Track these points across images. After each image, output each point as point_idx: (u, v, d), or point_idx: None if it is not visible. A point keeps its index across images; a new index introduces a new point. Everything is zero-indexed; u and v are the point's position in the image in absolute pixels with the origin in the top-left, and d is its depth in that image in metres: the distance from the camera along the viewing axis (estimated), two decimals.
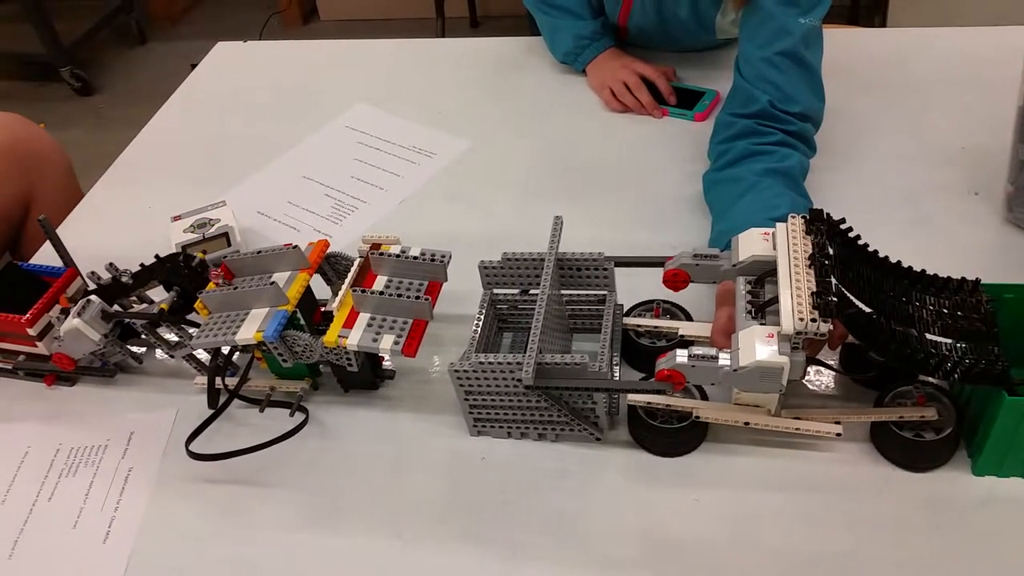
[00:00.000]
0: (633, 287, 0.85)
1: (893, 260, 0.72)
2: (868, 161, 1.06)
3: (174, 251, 0.86)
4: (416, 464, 0.78)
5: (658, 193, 1.05)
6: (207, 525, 0.75)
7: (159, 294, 0.85)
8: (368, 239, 0.82)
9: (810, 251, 0.68)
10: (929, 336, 0.68)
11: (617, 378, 0.79)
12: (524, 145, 1.17)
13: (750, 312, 0.68)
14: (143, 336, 0.86)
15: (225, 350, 0.80)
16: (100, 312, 0.82)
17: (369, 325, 0.76)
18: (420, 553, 0.71)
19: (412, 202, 1.10)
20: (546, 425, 0.77)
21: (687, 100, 1.19)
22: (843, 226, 0.71)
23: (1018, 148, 0.91)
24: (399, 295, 0.75)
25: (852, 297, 0.68)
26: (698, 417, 0.74)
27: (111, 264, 0.86)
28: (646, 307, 0.85)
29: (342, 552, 0.72)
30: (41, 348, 0.85)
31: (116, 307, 0.85)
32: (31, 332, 0.83)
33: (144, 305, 0.88)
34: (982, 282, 0.71)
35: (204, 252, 0.87)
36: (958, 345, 0.68)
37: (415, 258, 0.79)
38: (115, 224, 1.12)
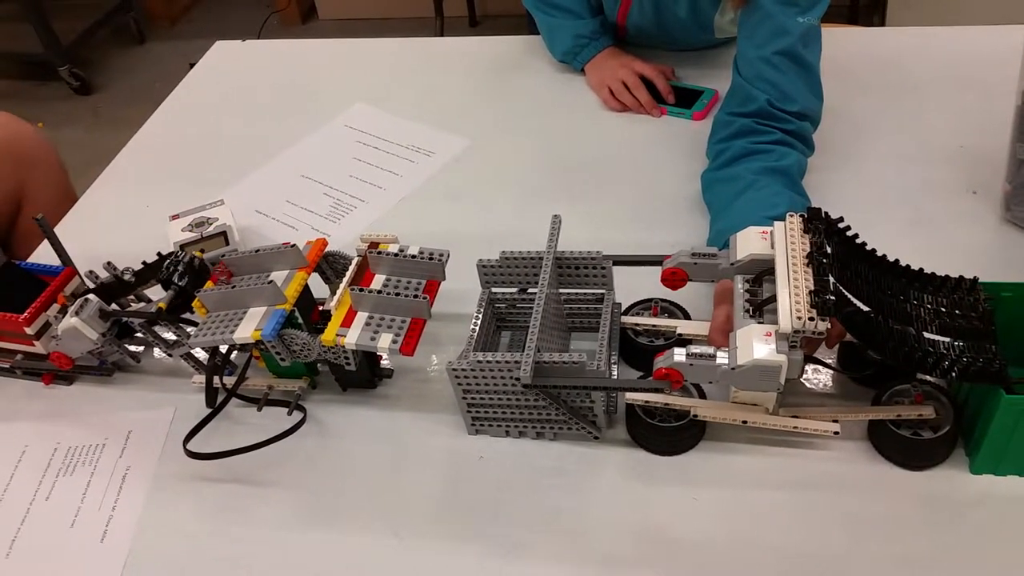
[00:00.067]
0: (631, 286, 0.85)
1: (891, 259, 0.72)
2: (866, 160, 1.06)
3: (173, 250, 0.86)
4: (414, 463, 0.78)
5: (656, 192, 1.05)
6: (205, 524, 0.75)
7: (157, 293, 0.85)
8: (366, 238, 0.82)
9: (808, 250, 0.68)
10: (927, 335, 0.68)
11: (615, 377, 0.79)
12: (523, 144, 1.17)
13: (748, 311, 0.68)
14: (141, 335, 0.86)
15: (223, 349, 0.80)
16: (98, 311, 0.82)
17: (367, 324, 0.76)
18: (418, 551, 0.71)
19: (410, 201, 1.10)
20: (544, 424, 0.77)
21: (686, 99, 1.19)
22: (841, 225, 0.71)
23: (1016, 147, 0.91)
24: (397, 294, 0.75)
25: (850, 296, 0.68)
26: (696, 416, 0.74)
27: (109, 263, 0.86)
28: (644, 306, 0.85)
29: (340, 550, 0.72)
30: (39, 347, 0.85)
31: (114, 306, 0.85)
32: (29, 331, 0.83)
33: (142, 304, 0.88)
34: (980, 280, 0.72)
35: (202, 251, 0.87)
36: (956, 343, 0.68)
37: (413, 257, 0.79)
38: (113, 223, 1.12)
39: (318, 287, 0.85)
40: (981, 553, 0.66)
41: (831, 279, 0.66)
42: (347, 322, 0.76)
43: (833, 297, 0.64)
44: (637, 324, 0.83)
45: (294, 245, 0.79)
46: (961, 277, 0.72)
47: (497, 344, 0.86)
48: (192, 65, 1.46)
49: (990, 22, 1.25)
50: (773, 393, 0.72)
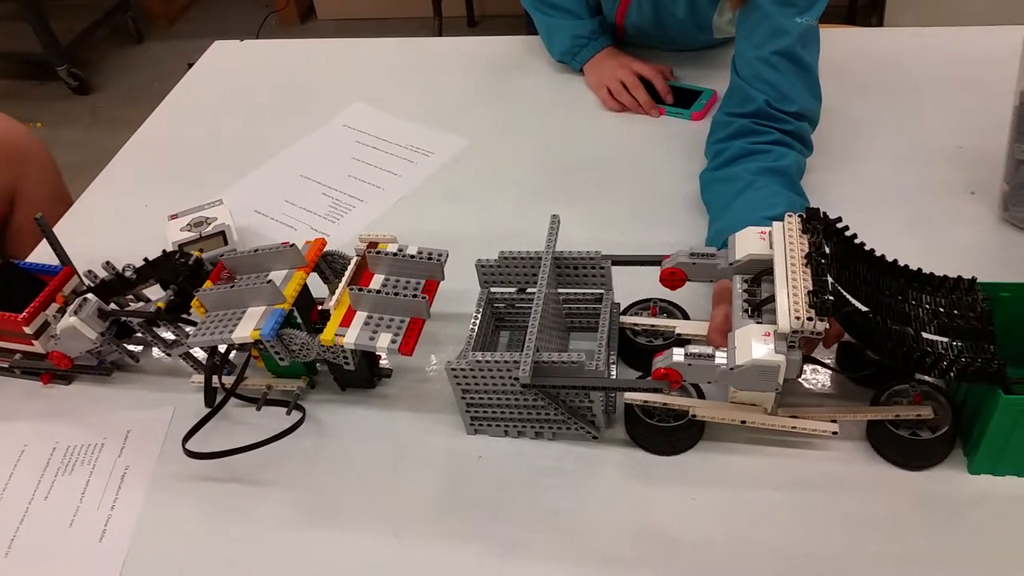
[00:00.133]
0: (630, 286, 0.85)
1: (890, 259, 0.72)
2: (865, 160, 1.06)
3: (171, 249, 0.86)
4: (413, 462, 0.78)
5: (655, 192, 1.05)
6: (204, 523, 0.75)
7: (155, 293, 0.85)
8: (365, 238, 0.82)
9: (806, 250, 0.68)
10: (925, 335, 0.68)
11: (614, 377, 0.79)
12: (521, 144, 1.17)
13: (746, 311, 0.68)
14: (140, 334, 0.86)
15: (222, 348, 0.80)
16: (97, 310, 0.82)
17: (366, 323, 0.76)
18: (417, 551, 0.71)
19: (409, 201, 1.10)
20: (543, 423, 0.77)
21: (684, 99, 1.19)
22: (839, 225, 0.71)
23: (1014, 147, 0.91)
24: (396, 294, 0.75)
25: (848, 296, 0.68)
26: (695, 416, 0.74)
27: (108, 263, 0.86)
28: (643, 306, 0.85)
29: (339, 550, 0.72)
30: (38, 346, 0.85)
31: (113, 305, 0.85)
32: (28, 330, 0.83)
33: (141, 303, 0.88)
34: (978, 281, 0.72)
35: (201, 251, 0.87)
36: (954, 344, 0.68)
37: (412, 257, 0.79)
38: (111, 223, 1.12)
39: (317, 287, 0.85)
40: (979, 553, 0.66)
41: (829, 279, 0.66)
42: (346, 322, 0.76)
43: (831, 297, 0.64)
44: (636, 324, 0.83)
45: (293, 245, 0.79)
46: (959, 277, 0.72)
47: (496, 344, 0.86)
48: (191, 65, 1.46)
49: (988, 22, 1.25)
50: (772, 393, 0.72)
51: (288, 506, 0.76)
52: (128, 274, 0.84)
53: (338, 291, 0.79)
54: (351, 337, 0.75)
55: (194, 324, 0.81)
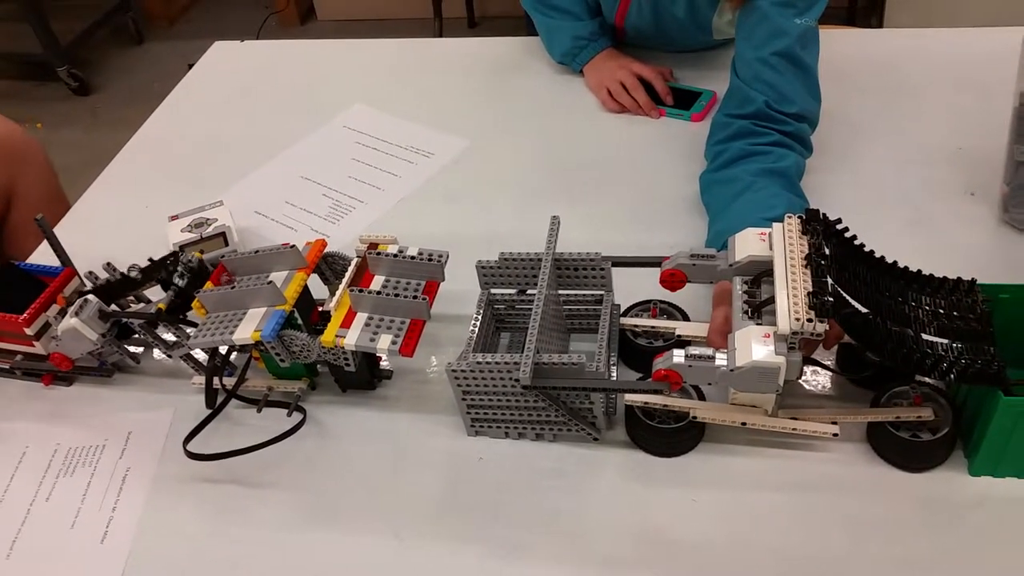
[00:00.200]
0: (630, 287, 0.85)
1: (889, 260, 0.72)
2: (864, 161, 1.06)
3: (173, 250, 0.86)
4: (414, 464, 0.78)
5: (655, 193, 1.05)
6: (205, 525, 0.75)
7: (156, 294, 0.85)
8: (366, 239, 0.83)
9: (806, 251, 0.68)
10: (925, 336, 0.68)
11: (614, 378, 0.79)
12: (522, 145, 1.17)
13: (746, 312, 0.68)
14: (141, 336, 0.86)
15: (223, 350, 0.80)
16: (98, 312, 0.82)
17: (367, 325, 0.76)
18: (417, 552, 0.71)
19: (410, 202, 1.10)
20: (544, 425, 0.77)
21: (684, 100, 1.19)
22: (839, 226, 0.71)
23: (1014, 148, 0.91)
24: (396, 295, 0.75)
25: (848, 297, 0.68)
26: (695, 417, 0.74)
27: (109, 263, 0.86)
28: (643, 307, 0.85)
29: (340, 552, 0.72)
30: (39, 348, 0.85)
31: (114, 307, 0.85)
32: (28, 332, 0.83)
33: (141, 305, 0.88)
34: (978, 282, 0.72)
35: (201, 252, 0.87)
36: (954, 345, 0.68)
37: (412, 258, 0.79)
38: (112, 224, 1.12)
39: (317, 288, 0.85)
40: (980, 555, 0.66)
41: (829, 280, 0.66)
42: (346, 323, 0.76)
43: (831, 298, 0.64)
44: (636, 325, 0.83)
45: (293, 246, 0.79)
46: (959, 279, 0.72)
47: (496, 345, 0.86)
48: (191, 66, 1.46)
49: (988, 24, 1.25)
50: (772, 395, 0.72)
51: (289, 507, 0.76)
52: (133, 274, 0.84)
53: (339, 292, 0.79)
54: (352, 338, 0.75)
55: (195, 325, 0.81)
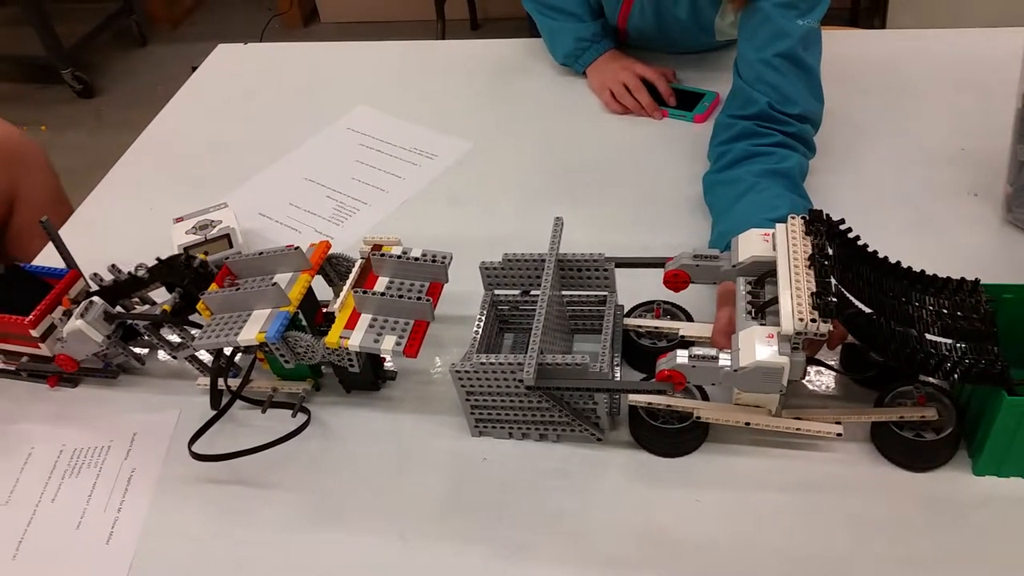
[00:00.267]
0: (634, 288, 0.85)
1: (893, 260, 0.72)
2: (867, 162, 1.06)
3: (177, 252, 0.87)
4: (418, 464, 0.78)
5: (658, 194, 1.05)
6: (210, 525, 0.76)
7: (161, 295, 0.85)
8: (369, 240, 0.83)
9: (810, 252, 0.68)
10: (929, 336, 0.68)
11: (618, 379, 0.79)
12: (525, 147, 1.17)
13: (750, 312, 0.68)
14: (146, 337, 0.86)
15: (227, 351, 0.81)
16: (103, 313, 0.82)
17: (371, 326, 0.76)
18: (422, 553, 0.71)
19: (413, 204, 1.11)
20: (547, 425, 0.77)
21: (687, 102, 1.19)
22: (843, 227, 0.71)
23: (1017, 149, 0.91)
24: (400, 296, 0.75)
25: (852, 297, 0.68)
26: (699, 418, 0.74)
27: (113, 265, 0.86)
28: (647, 308, 0.85)
29: (344, 552, 0.72)
30: (44, 349, 0.86)
31: (119, 308, 0.85)
32: (34, 333, 0.84)
33: (146, 306, 0.88)
34: (981, 282, 0.72)
35: (206, 253, 0.88)
36: (958, 345, 0.68)
37: (416, 259, 0.79)
38: (117, 226, 1.13)
39: (322, 289, 0.85)
40: (984, 554, 0.66)
41: (833, 281, 0.66)
42: (351, 324, 0.76)
43: (835, 299, 0.64)
44: (639, 326, 0.83)
45: (297, 247, 0.79)
46: (963, 279, 0.72)
47: (500, 346, 0.86)
48: (194, 68, 1.46)
49: (990, 24, 1.25)
50: (776, 395, 0.72)
51: (293, 508, 0.76)
52: (141, 274, 0.84)
53: (343, 294, 0.79)
54: (356, 339, 0.75)
55: (199, 327, 0.81)
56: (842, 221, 0.72)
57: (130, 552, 0.74)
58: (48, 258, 1.04)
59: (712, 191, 0.97)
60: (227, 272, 0.81)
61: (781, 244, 0.70)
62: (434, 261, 0.79)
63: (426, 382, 0.86)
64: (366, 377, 0.83)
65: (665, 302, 0.85)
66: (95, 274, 0.87)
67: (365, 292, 0.76)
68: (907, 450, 0.72)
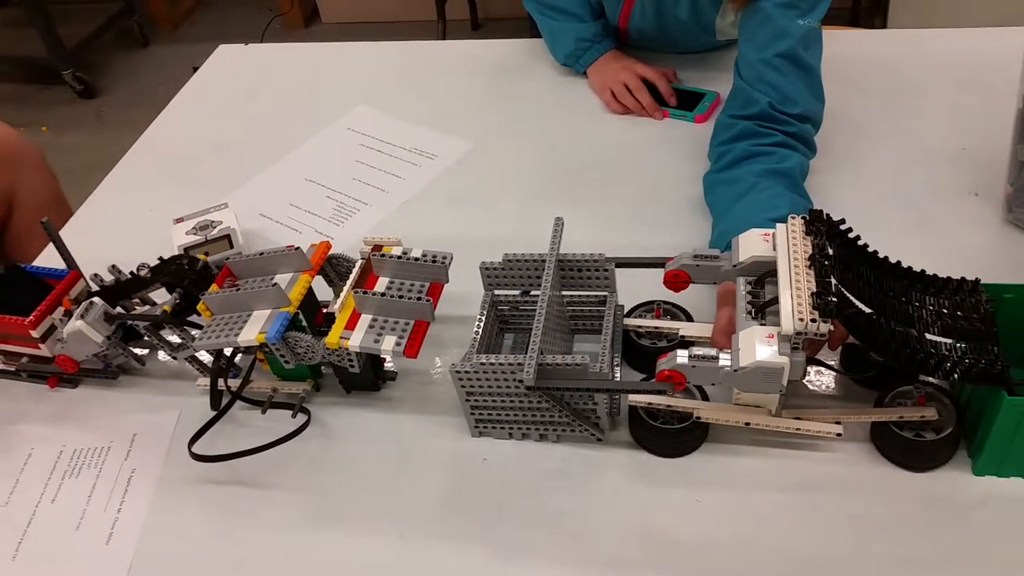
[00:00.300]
0: (634, 288, 0.85)
1: (893, 260, 0.72)
2: (868, 162, 1.06)
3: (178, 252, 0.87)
4: (418, 465, 0.78)
5: (658, 194, 1.05)
6: (210, 526, 0.76)
7: (161, 296, 0.85)
8: (370, 241, 0.83)
9: (810, 252, 0.68)
10: (929, 336, 0.68)
11: (618, 379, 0.79)
12: (525, 147, 1.17)
13: (750, 312, 0.68)
14: (146, 338, 0.86)
15: (228, 352, 0.81)
16: (103, 314, 0.82)
17: (371, 326, 0.76)
18: (422, 554, 0.71)
19: (413, 204, 1.11)
20: (547, 426, 0.77)
21: (687, 102, 1.19)
22: (843, 227, 0.71)
23: (1017, 149, 0.91)
24: (401, 296, 0.75)
25: (852, 297, 0.68)
26: (699, 418, 0.74)
27: (113, 266, 0.87)
28: (647, 308, 0.85)
29: (344, 552, 0.72)
30: (44, 350, 0.86)
31: (119, 309, 0.85)
32: (34, 334, 0.84)
33: (146, 307, 0.88)
34: (982, 282, 0.72)
35: (206, 254, 0.88)
36: (958, 345, 0.68)
37: (416, 259, 0.79)
38: (117, 227, 1.13)
39: (322, 290, 0.85)
40: (984, 554, 0.66)
41: (833, 281, 0.66)
42: (351, 325, 0.76)
43: (835, 299, 0.64)
44: (640, 326, 0.83)
45: (298, 248, 0.79)
46: (963, 279, 0.72)
47: (500, 346, 0.86)
48: (195, 69, 1.47)
49: (991, 24, 1.25)
50: (776, 395, 0.72)
51: (293, 509, 0.76)
52: (143, 273, 0.84)
53: (343, 294, 0.80)
54: (356, 340, 0.75)
55: (200, 327, 0.81)
56: (842, 221, 0.72)
57: (130, 553, 0.74)
58: (49, 259, 1.04)
59: (712, 191, 0.97)
60: (227, 273, 0.81)
61: (781, 244, 0.70)
62: (434, 261, 0.79)
63: (426, 382, 0.86)
64: (366, 377, 0.83)
65: (665, 302, 0.84)
66: (95, 275, 0.87)
67: (365, 292, 0.76)
68: (907, 450, 0.72)
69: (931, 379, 0.72)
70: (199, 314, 0.81)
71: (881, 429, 0.73)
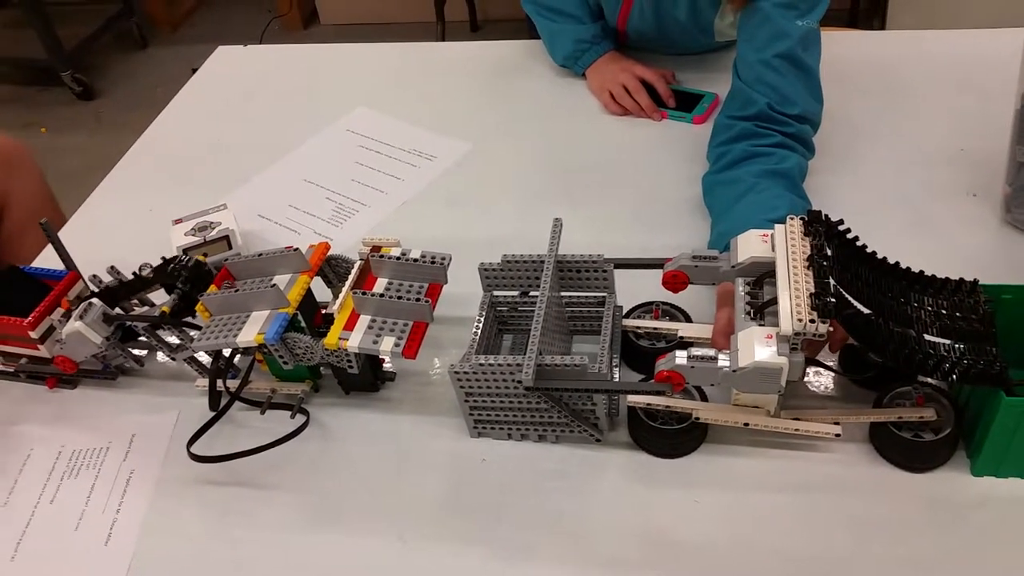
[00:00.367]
0: (632, 289, 0.85)
1: (891, 261, 0.72)
2: (867, 163, 1.06)
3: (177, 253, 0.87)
4: (417, 466, 0.78)
5: (657, 195, 1.05)
6: (208, 526, 0.76)
7: (160, 297, 0.85)
8: (369, 241, 0.83)
9: (809, 252, 0.68)
10: (927, 337, 0.68)
11: (617, 379, 0.79)
12: (524, 148, 1.17)
13: (749, 313, 0.68)
14: (144, 339, 0.86)
15: (226, 352, 0.81)
16: (102, 315, 0.82)
17: (370, 327, 0.76)
18: (421, 554, 0.71)
19: (412, 205, 1.11)
20: (546, 426, 0.77)
21: (686, 103, 1.19)
22: (841, 227, 0.72)
23: (1016, 149, 0.91)
24: (399, 297, 0.76)
25: (850, 298, 0.68)
26: (698, 418, 0.74)
27: (112, 267, 0.86)
28: (646, 308, 0.85)
29: (343, 554, 0.72)
30: (43, 351, 0.86)
31: (118, 310, 0.85)
32: (33, 335, 0.84)
33: (145, 308, 0.88)
34: (980, 283, 0.72)
35: (205, 255, 0.88)
36: (956, 346, 0.68)
37: (415, 260, 0.79)
38: (116, 228, 1.13)
39: (321, 291, 0.85)
40: (983, 555, 0.66)
41: (831, 281, 0.66)
42: (350, 325, 0.76)
43: (833, 299, 0.64)
44: (638, 327, 0.83)
45: (297, 249, 0.79)
46: (961, 279, 0.72)
47: (499, 347, 0.87)
48: (194, 70, 1.47)
49: (989, 25, 1.25)
50: (774, 395, 0.72)
51: (292, 509, 0.76)
52: (146, 273, 0.84)
53: (342, 295, 0.80)
54: (355, 341, 0.75)
55: (198, 328, 0.81)
56: (841, 222, 0.72)
57: (129, 553, 0.74)
58: (47, 260, 1.04)
59: (711, 192, 0.97)
60: (226, 274, 0.81)
61: (780, 245, 0.70)
62: (433, 262, 0.79)
63: (425, 383, 0.86)
64: (365, 378, 0.83)
65: (664, 303, 0.85)
66: (94, 276, 0.87)
67: (364, 293, 0.76)
68: (906, 450, 0.72)
69: (930, 380, 0.72)
70: (198, 315, 0.81)
71: (880, 430, 0.73)
